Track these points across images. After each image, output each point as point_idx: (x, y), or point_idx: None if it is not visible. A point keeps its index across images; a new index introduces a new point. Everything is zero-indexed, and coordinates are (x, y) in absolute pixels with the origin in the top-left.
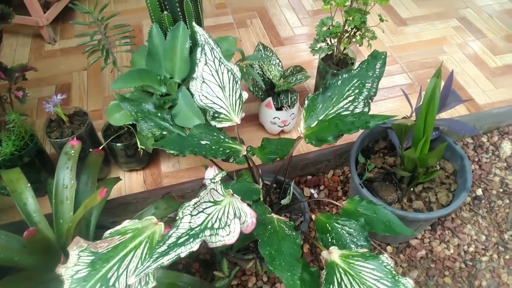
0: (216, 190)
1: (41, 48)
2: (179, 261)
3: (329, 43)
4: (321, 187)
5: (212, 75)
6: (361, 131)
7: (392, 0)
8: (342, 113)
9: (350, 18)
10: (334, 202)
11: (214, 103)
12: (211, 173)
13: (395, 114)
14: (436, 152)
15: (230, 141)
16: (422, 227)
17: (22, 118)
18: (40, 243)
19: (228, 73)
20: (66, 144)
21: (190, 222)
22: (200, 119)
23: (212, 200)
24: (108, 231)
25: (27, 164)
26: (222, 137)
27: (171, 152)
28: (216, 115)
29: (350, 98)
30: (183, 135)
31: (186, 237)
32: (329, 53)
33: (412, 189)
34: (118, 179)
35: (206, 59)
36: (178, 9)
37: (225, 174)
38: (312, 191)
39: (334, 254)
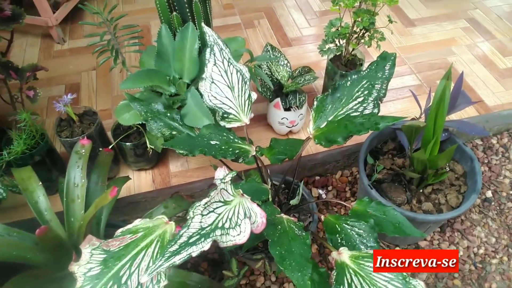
0: (226, 190)
1: (50, 48)
2: (188, 260)
3: (338, 44)
4: (329, 188)
5: (221, 75)
6: (370, 132)
7: (400, 1)
8: (351, 114)
9: (359, 19)
10: (343, 203)
11: (223, 103)
12: (221, 173)
13: (404, 116)
14: (446, 153)
15: (239, 142)
16: (432, 228)
17: (33, 117)
18: (52, 241)
19: (237, 73)
20: (77, 143)
21: (201, 222)
22: (209, 119)
23: (222, 200)
24: (120, 230)
25: (38, 163)
26: (231, 137)
27: (181, 152)
28: (225, 115)
29: (360, 99)
30: (193, 135)
31: (197, 236)
32: (337, 54)
33: (421, 190)
34: (127, 178)
35: (215, 60)
36: (187, 9)
37: (235, 174)
38: (320, 191)
39: (344, 255)
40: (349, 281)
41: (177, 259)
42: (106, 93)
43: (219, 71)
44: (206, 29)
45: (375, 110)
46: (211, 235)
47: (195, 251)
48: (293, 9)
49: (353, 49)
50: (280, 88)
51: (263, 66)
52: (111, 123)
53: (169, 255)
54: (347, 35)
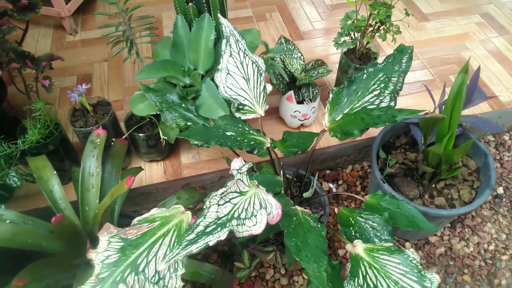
0: (242, 181)
1: (62, 39)
2: (197, 253)
3: (353, 37)
4: (340, 182)
5: (237, 66)
6: (384, 126)
7: None
8: (367, 107)
9: (375, 12)
10: (356, 196)
11: (239, 95)
12: (238, 164)
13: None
14: (462, 148)
15: (254, 133)
16: (443, 224)
17: (47, 107)
18: (67, 229)
19: (252, 65)
20: (92, 133)
21: (217, 212)
22: (224, 111)
23: (238, 190)
24: (136, 219)
25: (52, 152)
26: (247, 128)
27: (195, 143)
28: (241, 107)
29: (376, 92)
30: (208, 126)
31: (214, 226)
32: (352, 47)
33: (434, 185)
34: (140, 169)
35: (231, 51)
36: (203, 0)
37: (251, 165)
38: (331, 185)
39: (358, 248)
40: (364, 273)
41: (194, 248)
42: (118, 84)
43: (235, 62)
44: (222, 20)
45: (392, 103)
46: (227, 225)
47: (212, 240)
48: (305, 2)
49: (367, 43)
50: (293, 81)
51: (276, 58)
52: (123, 114)
53: (186, 243)
54: (363, 28)
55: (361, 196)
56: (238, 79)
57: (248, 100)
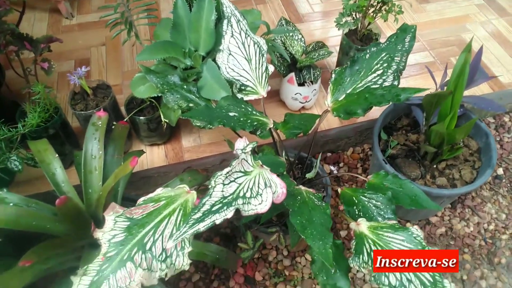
0: (247, 161)
1: (58, 23)
2: (201, 235)
3: (355, 18)
4: (341, 164)
5: (239, 47)
6: (384, 107)
7: None
8: (371, 87)
9: None
10: (358, 176)
11: (241, 75)
12: (242, 144)
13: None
14: (465, 127)
15: (257, 114)
16: (444, 203)
17: (47, 90)
18: (71, 211)
19: (254, 45)
20: (93, 115)
21: (222, 191)
22: (226, 92)
23: (242, 170)
24: (142, 198)
25: (52, 136)
26: (249, 109)
27: (198, 124)
28: (243, 87)
29: (379, 72)
30: (211, 107)
31: (220, 205)
32: (353, 28)
33: (435, 166)
34: (142, 151)
35: (232, 31)
36: None
37: (256, 144)
38: (332, 168)
39: (362, 226)
40: (369, 250)
41: (201, 226)
42: (116, 68)
43: (237, 43)
44: (223, 0)
45: (395, 82)
46: (233, 204)
47: (218, 218)
48: None
49: (369, 24)
50: (294, 63)
51: (277, 40)
52: (123, 99)
53: (193, 222)
54: (364, 8)
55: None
56: (240, 60)
57: (250, 81)
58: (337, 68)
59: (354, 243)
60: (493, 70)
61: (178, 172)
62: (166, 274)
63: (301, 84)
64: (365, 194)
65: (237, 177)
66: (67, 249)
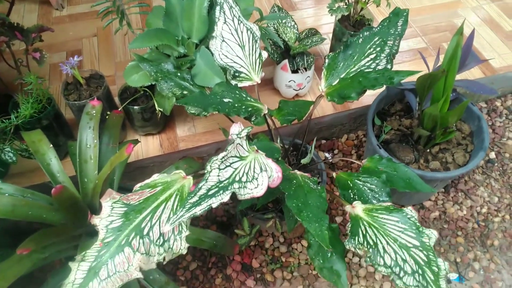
0: (242, 146)
1: (48, 14)
2: (197, 223)
3: (347, 3)
4: (335, 152)
5: (232, 34)
6: (378, 92)
7: None
8: (364, 71)
9: None
10: (353, 161)
11: (234, 62)
12: (237, 129)
13: (411, 79)
14: (457, 110)
15: (252, 100)
16: (438, 187)
17: (39, 80)
18: (67, 201)
19: (247, 32)
20: (87, 105)
21: (218, 176)
22: (220, 78)
23: (238, 155)
24: (138, 185)
25: (46, 127)
26: (244, 95)
27: (192, 111)
28: (237, 74)
29: (372, 56)
30: (205, 94)
31: (216, 189)
32: (346, 14)
33: (428, 150)
34: (137, 141)
35: (225, 18)
36: None
37: (251, 129)
38: (327, 155)
39: (357, 208)
40: (364, 232)
41: (198, 210)
42: (108, 59)
43: (230, 29)
44: None
45: (388, 66)
46: (229, 188)
47: (215, 202)
48: None
49: (361, 9)
50: (287, 51)
51: (270, 27)
52: (116, 89)
53: (190, 206)
54: None
55: (357, 163)
56: (234, 46)
57: (244, 67)
58: (330, 53)
59: (350, 225)
60: (485, 55)
61: (173, 162)
62: (164, 258)
63: (294, 71)
64: (360, 178)
65: (233, 162)
66: (64, 238)
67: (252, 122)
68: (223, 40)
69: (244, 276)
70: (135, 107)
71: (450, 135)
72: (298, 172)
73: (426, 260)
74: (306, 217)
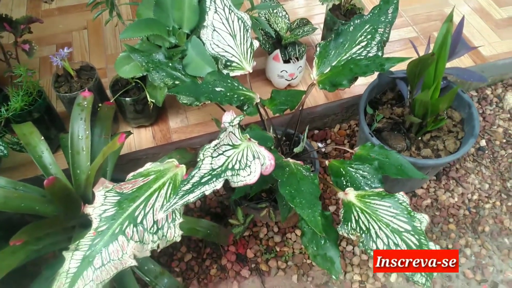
0: (234, 134)
1: (37, 7)
2: (192, 214)
3: None
4: (328, 141)
5: (223, 23)
6: (370, 81)
7: None
8: (355, 58)
9: None
10: (346, 149)
11: (226, 51)
12: (229, 117)
13: (402, 67)
14: (447, 96)
15: (244, 89)
16: (430, 174)
17: (29, 73)
18: (60, 192)
19: (238, 21)
20: (78, 96)
21: (211, 164)
22: (212, 68)
23: (230, 143)
24: (131, 174)
25: (37, 120)
26: (236, 84)
27: (185, 101)
28: (228, 63)
29: (363, 44)
30: (197, 83)
31: (209, 177)
32: (337, 3)
33: (420, 138)
34: (129, 132)
35: (216, 7)
36: None
37: (243, 117)
38: (319, 145)
39: (350, 195)
40: (356, 218)
41: (191, 197)
42: (99, 51)
43: (220, 18)
44: None
45: (379, 53)
46: (222, 175)
47: (208, 189)
48: None
49: None
50: (279, 41)
51: (261, 17)
52: (108, 82)
53: (183, 193)
54: None
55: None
56: (225, 36)
57: (235, 57)
58: (321, 41)
59: (343, 212)
60: (475, 43)
61: (166, 153)
62: (158, 246)
63: (286, 61)
64: (352, 165)
65: (226, 150)
66: (58, 229)
67: (245, 112)
68: (214, 30)
69: (239, 266)
70: (127, 98)
71: (441, 123)
72: (291, 160)
73: (417, 244)
74: (299, 204)
